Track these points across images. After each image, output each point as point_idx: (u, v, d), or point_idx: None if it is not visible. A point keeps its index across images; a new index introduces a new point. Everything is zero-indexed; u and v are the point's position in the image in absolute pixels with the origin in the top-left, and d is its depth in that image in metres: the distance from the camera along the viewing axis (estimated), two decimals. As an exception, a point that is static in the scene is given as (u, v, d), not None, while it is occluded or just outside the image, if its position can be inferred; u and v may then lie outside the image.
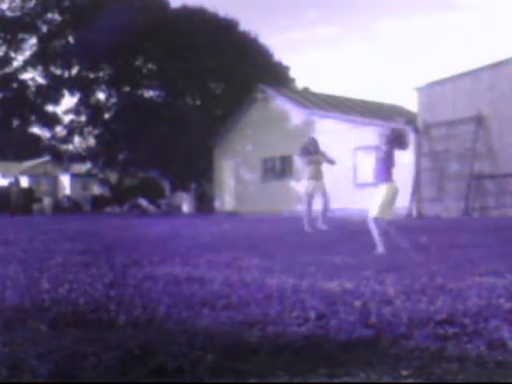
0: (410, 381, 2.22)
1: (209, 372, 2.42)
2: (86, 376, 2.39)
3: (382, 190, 7.38)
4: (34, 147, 47.34)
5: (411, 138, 22.16)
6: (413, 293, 4.03)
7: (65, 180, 48.25)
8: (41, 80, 40.21)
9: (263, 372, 2.46)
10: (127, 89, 42.17)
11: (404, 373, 2.47)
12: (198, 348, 2.65)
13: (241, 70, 38.24)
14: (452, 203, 20.52)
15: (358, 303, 3.63)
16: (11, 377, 2.38)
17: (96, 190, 47.10)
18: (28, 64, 39.29)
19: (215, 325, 3.18)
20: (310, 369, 2.49)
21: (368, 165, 23.50)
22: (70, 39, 39.41)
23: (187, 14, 40.33)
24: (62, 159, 43.29)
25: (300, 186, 12.24)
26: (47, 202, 33.30)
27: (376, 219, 7.34)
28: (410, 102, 32.10)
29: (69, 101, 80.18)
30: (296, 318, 3.29)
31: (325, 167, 12.74)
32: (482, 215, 19.78)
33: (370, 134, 23.30)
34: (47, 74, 39.86)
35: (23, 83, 39.87)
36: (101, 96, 42.43)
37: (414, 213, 21.46)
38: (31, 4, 37.99)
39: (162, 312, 3.47)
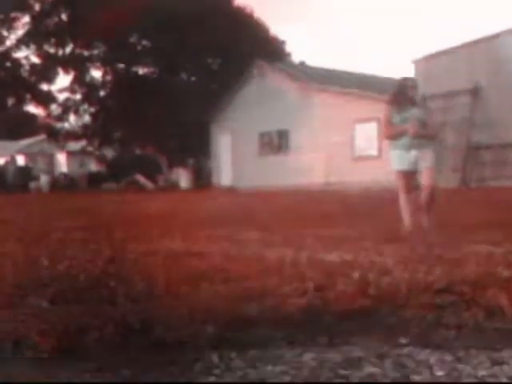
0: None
1: (209, 344, 2.45)
2: (87, 350, 2.41)
3: None
4: (29, 126, 47.14)
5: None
6: (411, 263, 4.05)
7: (61, 158, 48.15)
8: (34, 58, 39.94)
9: (263, 343, 2.48)
10: (122, 66, 41.89)
11: (403, 341, 2.50)
12: (197, 321, 2.67)
13: (236, 44, 37.94)
14: (449, 174, 20.53)
15: (356, 274, 3.65)
16: (14, 353, 2.41)
17: (93, 167, 47.02)
18: (21, 43, 38.94)
19: (215, 298, 3.20)
20: (309, 338, 2.52)
21: (366, 137, 23.58)
22: (63, 17, 39.02)
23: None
24: (57, 137, 43.09)
25: None
26: (44, 179, 33.30)
27: None
28: (407, 75, 31.82)
29: (63, 79, 79.86)
30: (295, 290, 3.30)
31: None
32: (479, 185, 19.81)
33: (368, 107, 23.40)
34: (41, 53, 39.53)
35: (17, 62, 39.57)
36: (95, 74, 42.19)
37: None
38: (23, -18, 37.57)
39: (162, 287, 3.48)
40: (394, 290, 3.18)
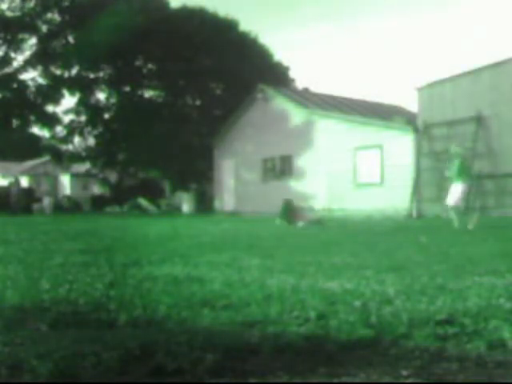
0: (410, 381, 2.21)
1: (209, 372, 2.42)
2: (86, 376, 2.39)
3: None
4: (34, 147, 47.24)
5: (411, 138, 22.17)
6: (413, 293, 4.03)
7: (65, 180, 48.20)
8: (41, 80, 40.15)
9: (263, 372, 2.45)
10: (127, 89, 42.12)
11: (404, 373, 2.47)
12: (197, 348, 2.65)
13: (241, 70, 38.18)
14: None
15: (357, 303, 3.63)
16: (11, 377, 2.38)
17: (96, 190, 47.04)
18: (28, 64, 39.22)
19: (215, 325, 3.18)
20: (310, 369, 2.49)
21: (368, 164, 23.59)
22: (70, 39, 39.36)
23: (187, 13, 40.29)
24: (61, 159, 43.19)
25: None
26: (47, 201, 33.24)
27: None
28: (410, 102, 32.05)
29: (69, 101, 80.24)
30: (296, 318, 3.29)
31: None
32: (481, 215, 19.74)
33: (370, 134, 23.48)
34: (47, 74, 39.79)
35: (23, 83, 39.80)
36: (101, 96, 42.41)
37: (414, 213, 21.44)
38: (31, 4, 37.92)
39: (162, 312, 3.47)
40: (396, 320, 3.16)
